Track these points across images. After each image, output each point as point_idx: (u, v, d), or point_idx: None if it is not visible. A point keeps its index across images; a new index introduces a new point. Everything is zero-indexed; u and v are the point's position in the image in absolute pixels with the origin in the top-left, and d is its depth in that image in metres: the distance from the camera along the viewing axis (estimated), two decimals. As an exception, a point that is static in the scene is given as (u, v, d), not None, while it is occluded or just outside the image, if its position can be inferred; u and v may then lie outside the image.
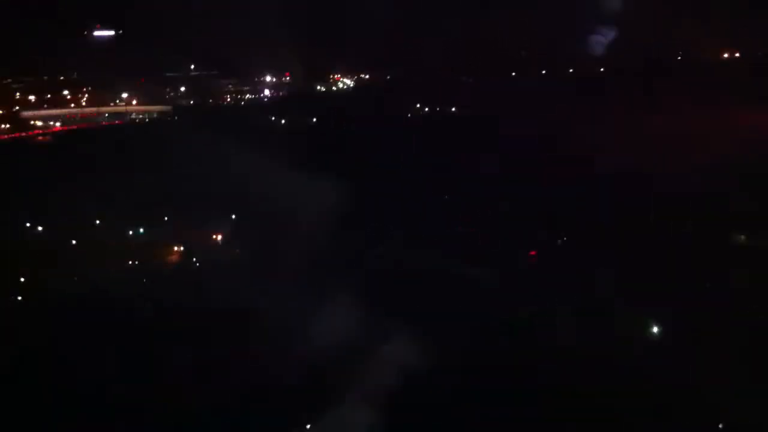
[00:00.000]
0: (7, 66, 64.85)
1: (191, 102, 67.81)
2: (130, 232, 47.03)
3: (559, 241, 43.06)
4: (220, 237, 46.91)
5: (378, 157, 51.79)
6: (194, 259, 45.34)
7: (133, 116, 68.00)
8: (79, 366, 32.56)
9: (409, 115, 59.22)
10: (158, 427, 29.69)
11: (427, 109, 59.61)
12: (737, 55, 59.23)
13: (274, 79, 70.00)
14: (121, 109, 68.67)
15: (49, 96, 68.43)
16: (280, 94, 68.71)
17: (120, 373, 32.34)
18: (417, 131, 56.80)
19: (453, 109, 59.16)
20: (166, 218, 47.77)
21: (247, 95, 69.72)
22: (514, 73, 62.38)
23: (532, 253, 43.86)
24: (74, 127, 66.84)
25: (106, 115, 68.61)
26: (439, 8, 60.80)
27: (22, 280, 42.39)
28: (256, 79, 69.61)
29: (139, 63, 68.70)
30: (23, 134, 64.88)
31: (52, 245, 46.01)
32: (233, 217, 47.90)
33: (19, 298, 41.35)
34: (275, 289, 36.73)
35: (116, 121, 67.61)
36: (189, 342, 34.44)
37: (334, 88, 68.12)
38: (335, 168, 47.25)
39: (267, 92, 69.63)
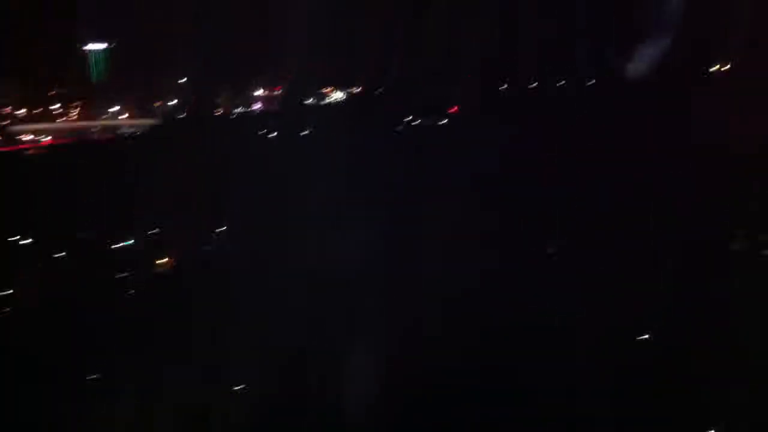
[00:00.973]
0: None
1: (182, 115, 67.57)
2: (120, 243, 47.01)
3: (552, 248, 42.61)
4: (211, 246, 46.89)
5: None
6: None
7: (125, 130, 67.81)
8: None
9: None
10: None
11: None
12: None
13: (266, 92, 69.85)
14: (112, 122, 68.50)
15: (39, 110, 68.30)
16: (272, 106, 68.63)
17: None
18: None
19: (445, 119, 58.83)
20: (156, 228, 47.70)
21: (240, 108, 69.54)
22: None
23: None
24: (63, 141, 66.66)
25: (97, 128, 68.43)
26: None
27: (11, 291, 42.40)
28: (247, 92, 69.51)
29: (129, 77, 69.05)
30: (12, 148, 64.77)
31: (40, 256, 46.00)
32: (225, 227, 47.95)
33: (7, 309, 41.54)
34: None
35: (107, 135, 67.53)
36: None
37: (325, 100, 67.97)
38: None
39: (258, 105, 69.56)
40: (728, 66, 57.41)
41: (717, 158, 46.53)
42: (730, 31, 53.83)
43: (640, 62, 53.79)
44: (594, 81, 57.33)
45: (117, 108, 68.29)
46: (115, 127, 67.95)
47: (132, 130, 67.20)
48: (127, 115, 68.27)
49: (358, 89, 65.17)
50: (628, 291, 36.26)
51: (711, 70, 56.38)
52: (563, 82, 57.91)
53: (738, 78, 55.41)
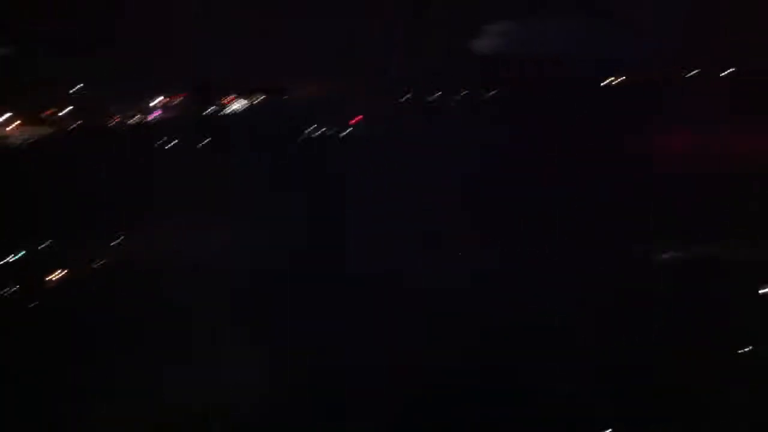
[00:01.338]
0: None
1: (76, 123, 65.53)
2: (10, 256, 45.44)
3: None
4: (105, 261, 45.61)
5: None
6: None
7: (14, 139, 65.44)
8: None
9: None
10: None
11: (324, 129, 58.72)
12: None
13: (164, 100, 68.36)
14: (1, 131, 66.05)
15: None
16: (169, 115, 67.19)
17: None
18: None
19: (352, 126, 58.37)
20: (49, 240, 46.21)
21: (135, 117, 67.81)
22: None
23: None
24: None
25: (-15, 137, 65.93)
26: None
27: None
28: (144, 101, 67.83)
29: (20, 84, 66.73)
30: None
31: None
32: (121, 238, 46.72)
33: None
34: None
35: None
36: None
37: (226, 110, 66.82)
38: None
39: (156, 114, 67.93)
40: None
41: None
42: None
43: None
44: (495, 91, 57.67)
45: (7, 116, 65.89)
46: (5, 136, 65.55)
47: (22, 138, 64.95)
48: (17, 122, 65.90)
49: (262, 97, 64.31)
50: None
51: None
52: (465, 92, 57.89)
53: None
